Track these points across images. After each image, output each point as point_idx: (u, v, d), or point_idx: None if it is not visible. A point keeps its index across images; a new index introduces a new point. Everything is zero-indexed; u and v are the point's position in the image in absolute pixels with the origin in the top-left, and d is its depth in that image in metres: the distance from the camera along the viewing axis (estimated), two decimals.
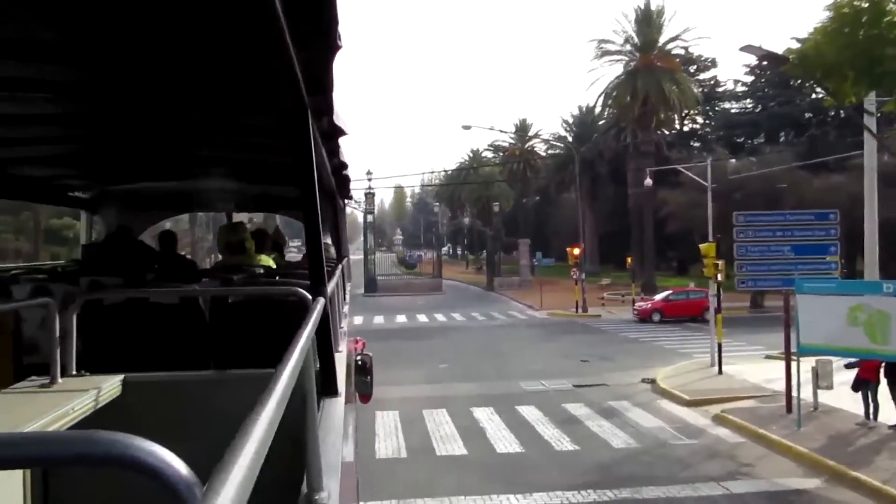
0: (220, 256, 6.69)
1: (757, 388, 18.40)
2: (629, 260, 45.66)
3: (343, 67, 2.28)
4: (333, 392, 2.86)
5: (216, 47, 2.65)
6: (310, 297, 2.95)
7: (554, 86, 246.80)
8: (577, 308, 38.35)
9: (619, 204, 55.52)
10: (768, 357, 22.32)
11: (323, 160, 3.87)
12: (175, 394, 3.42)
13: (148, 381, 3.38)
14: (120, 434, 0.78)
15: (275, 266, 6.39)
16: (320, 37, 1.95)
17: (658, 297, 37.22)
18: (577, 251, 39.42)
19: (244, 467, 0.75)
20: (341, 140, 3.98)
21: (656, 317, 35.04)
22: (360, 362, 7.60)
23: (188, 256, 10.34)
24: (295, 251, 31.87)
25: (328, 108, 2.85)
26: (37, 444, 0.85)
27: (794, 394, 14.72)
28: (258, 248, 6.65)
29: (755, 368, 20.95)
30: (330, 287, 3.23)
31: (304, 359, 1.46)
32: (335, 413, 2.67)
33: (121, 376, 3.28)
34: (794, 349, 14.84)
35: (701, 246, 22.60)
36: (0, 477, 2.29)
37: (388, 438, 14.81)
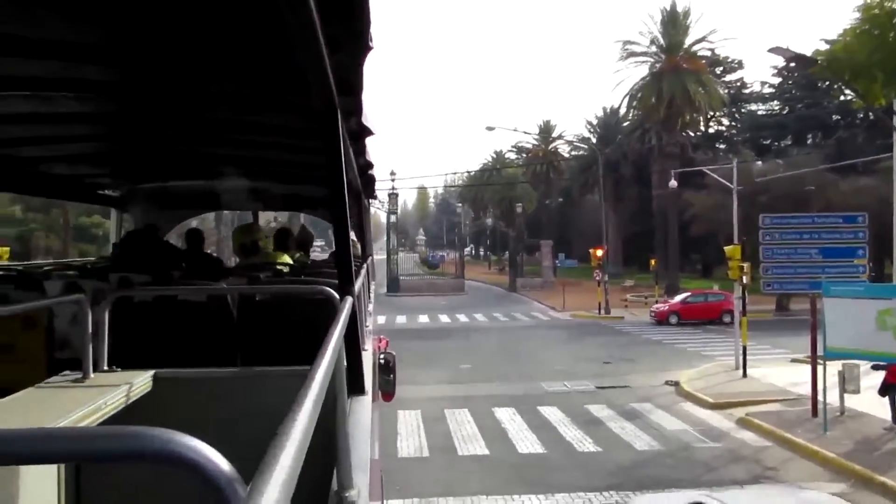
0: None
1: (782, 392, 18.18)
2: (653, 262, 45.33)
3: (368, 67, 2.30)
4: (360, 390, 2.87)
5: (247, 48, 2.68)
6: (337, 296, 2.97)
7: (578, 87, 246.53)
8: (599, 310, 38.16)
9: (643, 206, 55.18)
10: (794, 360, 22.03)
11: (350, 160, 3.89)
12: (204, 390, 3.45)
13: (178, 377, 3.43)
14: (160, 429, 0.78)
15: (294, 264, 6.42)
16: (353, 39, 1.96)
17: (676, 299, 36.95)
18: (599, 253, 39.22)
19: (286, 467, 0.76)
20: (367, 140, 4.00)
21: (673, 319, 34.78)
22: (383, 361, 7.61)
23: (214, 254, 10.45)
24: (318, 250, 32.00)
25: (357, 109, 2.86)
26: (79, 439, 0.84)
27: (821, 398, 14.53)
28: (282, 246, 6.69)
29: (781, 372, 20.70)
30: (357, 286, 3.25)
31: (336, 358, 1.48)
32: (362, 411, 2.68)
33: (151, 372, 3.32)
34: (820, 353, 14.68)
35: (726, 248, 22.41)
36: (34, 473, 2.33)
37: (411, 437, 14.84)
